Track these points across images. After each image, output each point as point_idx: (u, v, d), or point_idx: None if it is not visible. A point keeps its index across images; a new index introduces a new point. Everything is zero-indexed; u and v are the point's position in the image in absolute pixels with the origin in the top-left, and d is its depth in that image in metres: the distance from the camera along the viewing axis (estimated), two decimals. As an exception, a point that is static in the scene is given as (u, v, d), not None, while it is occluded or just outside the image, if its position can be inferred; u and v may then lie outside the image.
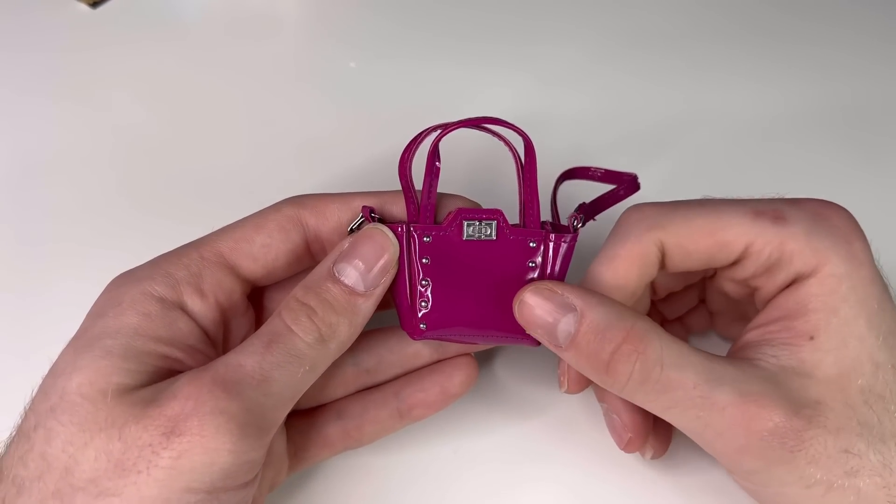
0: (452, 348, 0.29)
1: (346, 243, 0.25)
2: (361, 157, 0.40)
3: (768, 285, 0.25)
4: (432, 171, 0.26)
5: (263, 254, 0.26)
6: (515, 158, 0.26)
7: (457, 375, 0.29)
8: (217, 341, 0.26)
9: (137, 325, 0.24)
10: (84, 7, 0.47)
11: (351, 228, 0.26)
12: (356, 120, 0.42)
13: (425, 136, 0.25)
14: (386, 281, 0.25)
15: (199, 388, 0.22)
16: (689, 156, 0.41)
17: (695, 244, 0.25)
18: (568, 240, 0.26)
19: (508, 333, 0.26)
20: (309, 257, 0.28)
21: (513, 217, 0.26)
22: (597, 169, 0.28)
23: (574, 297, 0.24)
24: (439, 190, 0.26)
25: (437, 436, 0.31)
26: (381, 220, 0.26)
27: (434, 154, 0.26)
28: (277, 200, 0.27)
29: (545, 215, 0.27)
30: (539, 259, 0.26)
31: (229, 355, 0.23)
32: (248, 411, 0.22)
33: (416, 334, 0.26)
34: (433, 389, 0.29)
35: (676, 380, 0.23)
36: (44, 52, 0.44)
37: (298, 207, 0.27)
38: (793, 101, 0.43)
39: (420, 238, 0.25)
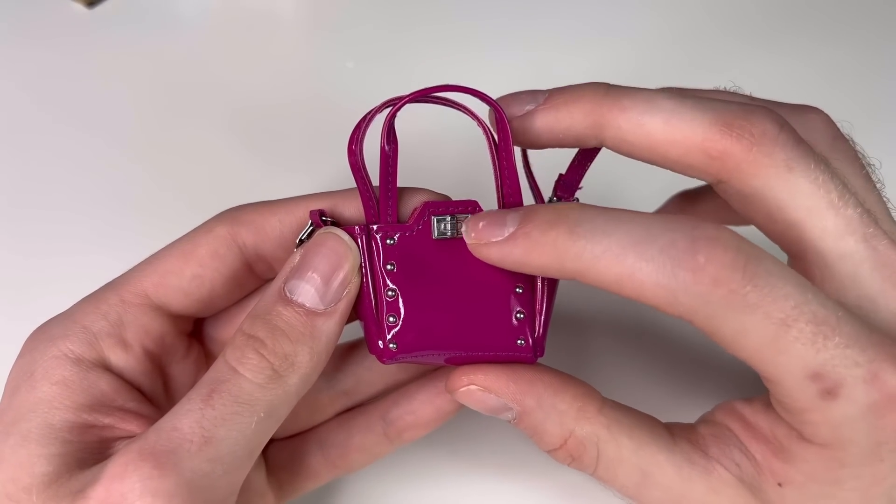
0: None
1: (296, 257, 0.21)
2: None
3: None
4: (387, 160, 0.22)
5: (196, 287, 0.23)
6: (487, 136, 0.22)
7: None
8: (155, 394, 0.23)
9: (52, 398, 0.20)
10: (80, 7, 0.46)
11: (300, 239, 0.22)
12: (353, 120, 0.41)
13: (373, 115, 0.21)
14: (349, 293, 0.21)
15: (124, 467, 0.18)
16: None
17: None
18: None
19: (496, 351, 0.22)
20: (253, 279, 0.24)
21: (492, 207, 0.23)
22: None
23: (510, 400, 0.22)
24: (403, 185, 0.23)
25: (437, 436, 0.29)
26: (335, 224, 0.22)
27: (388, 137, 0.21)
28: (247, 203, 0.24)
29: (528, 200, 0.23)
30: None
31: (164, 418, 0.20)
32: (190, 486, 0.18)
33: (385, 356, 0.22)
34: (425, 409, 0.25)
35: (607, 479, 0.22)
36: (40, 52, 0.44)
37: (232, 224, 0.23)
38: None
39: (382, 240, 0.21)
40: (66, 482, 0.19)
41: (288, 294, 0.21)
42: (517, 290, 0.22)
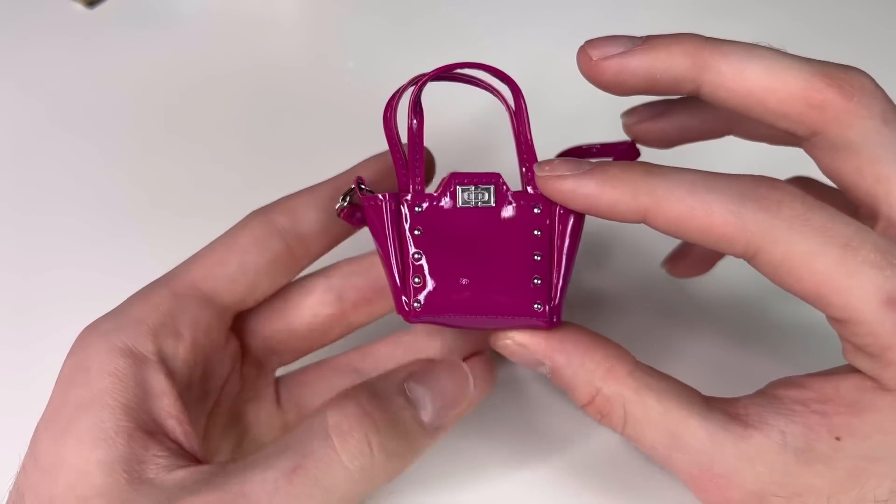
0: (464, 349, 0.26)
1: (418, 363, 0.22)
2: (360, 157, 0.39)
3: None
4: (414, 132, 0.23)
5: (242, 273, 0.24)
6: (508, 110, 0.24)
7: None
8: (193, 385, 0.24)
9: (105, 392, 0.21)
10: (80, 7, 0.46)
11: (341, 205, 0.24)
12: (354, 120, 0.41)
13: (405, 89, 0.23)
14: (452, 423, 0.22)
15: None
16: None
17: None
18: None
19: (514, 314, 0.23)
20: (294, 263, 0.25)
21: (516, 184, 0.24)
22: (591, 145, 0.26)
23: (541, 356, 0.23)
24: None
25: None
26: (371, 192, 0.23)
27: (415, 110, 0.23)
28: (275, 199, 0.26)
29: None
30: (546, 226, 0.23)
31: (237, 469, 0.19)
32: None
33: (410, 316, 0.23)
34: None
35: (636, 438, 0.22)
36: (40, 52, 0.44)
37: (266, 213, 0.25)
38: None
39: (411, 208, 0.23)
40: (123, 495, 0.19)
41: (409, 392, 0.22)
42: (535, 257, 0.23)
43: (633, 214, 0.21)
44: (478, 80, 0.23)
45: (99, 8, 0.47)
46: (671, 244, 0.32)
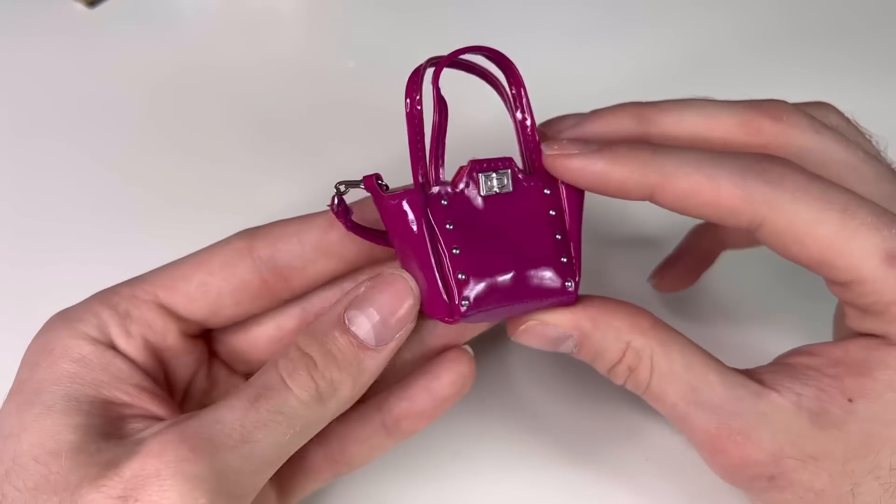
0: (435, 342, 0.25)
1: (361, 287, 0.22)
2: (360, 158, 0.39)
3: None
4: (438, 123, 0.22)
5: (202, 293, 0.24)
6: (502, 92, 0.24)
7: (445, 374, 0.25)
8: (159, 382, 0.24)
9: (73, 373, 0.22)
10: (81, 6, 0.46)
11: (338, 192, 0.23)
12: (354, 119, 0.41)
13: (423, 70, 0.22)
14: (401, 336, 0.22)
15: (162, 445, 0.19)
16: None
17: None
18: None
19: (550, 296, 0.23)
20: (268, 294, 0.25)
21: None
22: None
23: (569, 328, 0.23)
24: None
25: (437, 437, 0.29)
26: (387, 188, 0.23)
27: (439, 102, 0.22)
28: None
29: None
30: (558, 205, 0.23)
31: (208, 409, 0.21)
32: (220, 476, 0.19)
33: (455, 315, 0.22)
34: (420, 395, 0.25)
35: (658, 394, 0.23)
36: (41, 52, 0.44)
37: (249, 238, 0.24)
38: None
39: (438, 202, 0.22)
40: (94, 452, 0.20)
41: (346, 322, 0.22)
42: (556, 236, 0.23)
43: (641, 191, 0.22)
44: (483, 69, 0.23)
45: (99, 7, 0.46)
46: (664, 249, 0.32)
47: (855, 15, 0.48)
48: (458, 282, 0.22)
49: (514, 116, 0.24)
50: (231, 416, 0.20)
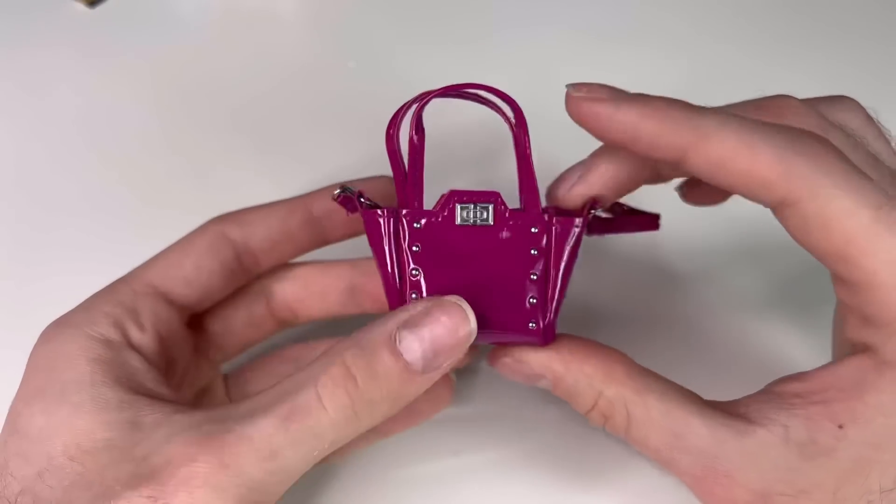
0: None
1: (418, 305, 0.21)
2: (360, 158, 0.39)
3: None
4: (416, 149, 0.23)
5: (196, 276, 0.25)
6: (511, 129, 0.24)
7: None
8: (166, 372, 0.25)
9: (94, 373, 0.22)
10: (81, 6, 0.46)
11: (338, 194, 0.24)
12: (354, 120, 0.41)
13: (409, 106, 0.23)
14: (447, 367, 0.21)
15: (192, 454, 0.20)
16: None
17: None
18: (578, 225, 0.23)
19: (508, 332, 0.23)
20: (242, 272, 0.27)
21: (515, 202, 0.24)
22: (621, 205, 0.26)
23: (541, 369, 0.23)
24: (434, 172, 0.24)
25: (438, 437, 0.29)
26: (372, 206, 0.23)
27: (416, 127, 0.23)
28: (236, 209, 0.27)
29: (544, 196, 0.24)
30: (543, 246, 0.23)
31: (240, 421, 0.20)
32: (247, 486, 0.20)
33: None
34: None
35: (639, 440, 0.22)
36: (41, 52, 0.44)
37: (220, 223, 0.26)
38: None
39: (410, 224, 0.23)
40: (126, 449, 0.20)
41: (397, 343, 0.21)
42: (531, 276, 0.23)
43: (673, 151, 0.20)
44: (481, 97, 0.23)
45: (100, 7, 0.46)
46: (661, 256, 0.32)
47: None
48: (410, 301, 0.23)
49: (516, 149, 0.24)
50: (262, 434, 0.20)
